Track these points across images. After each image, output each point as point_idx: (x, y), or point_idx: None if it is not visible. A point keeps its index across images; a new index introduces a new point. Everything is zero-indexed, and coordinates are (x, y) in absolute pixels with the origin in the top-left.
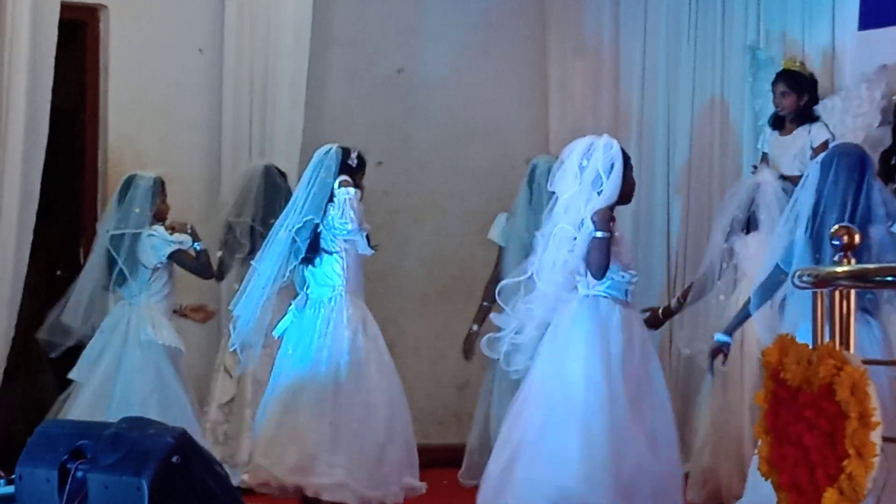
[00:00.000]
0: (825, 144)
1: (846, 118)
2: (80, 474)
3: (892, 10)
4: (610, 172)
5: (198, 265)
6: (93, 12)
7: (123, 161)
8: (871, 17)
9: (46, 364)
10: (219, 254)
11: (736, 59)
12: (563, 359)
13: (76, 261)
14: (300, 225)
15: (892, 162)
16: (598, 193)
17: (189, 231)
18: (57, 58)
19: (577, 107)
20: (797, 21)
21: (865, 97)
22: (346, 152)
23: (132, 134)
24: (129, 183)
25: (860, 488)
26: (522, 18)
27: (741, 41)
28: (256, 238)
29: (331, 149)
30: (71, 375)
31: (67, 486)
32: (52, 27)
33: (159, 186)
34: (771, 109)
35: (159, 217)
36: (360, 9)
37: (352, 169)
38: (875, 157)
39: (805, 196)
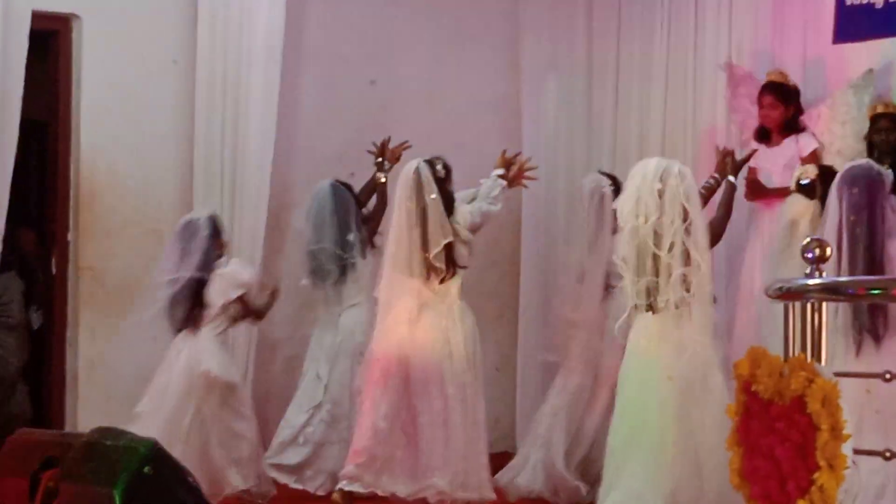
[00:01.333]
0: (814, 153)
1: (834, 126)
2: (51, 484)
3: (866, 23)
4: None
5: (258, 309)
6: (65, 22)
7: (96, 170)
8: (845, 30)
9: (18, 376)
10: (303, 281)
11: (709, 73)
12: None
13: (47, 267)
14: (438, 250)
15: None
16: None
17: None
18: (29, 67)
19: (550, 120)
20: (769, 35)
21: (853, 103)
22: (431, 165)
23: (105, 144)
24: (187, 227)
25: (831, 500)
26: (495, 31)
27: (713, 56)
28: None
29: (416, 166)
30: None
31: (39, 496)
32: (23, 36)
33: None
34: (750, 125)
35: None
36: (333, 20)
37: (441, 179)
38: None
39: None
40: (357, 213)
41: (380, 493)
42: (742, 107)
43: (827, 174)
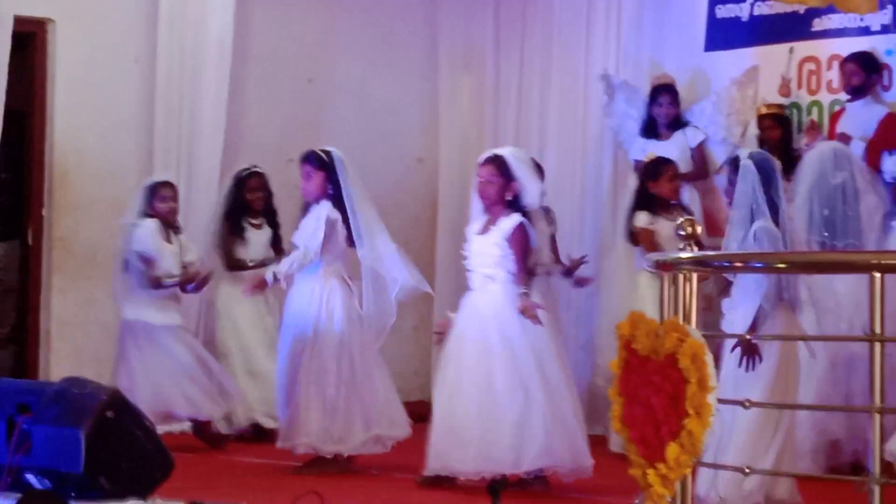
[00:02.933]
0: (702, 144)
1: (718, 118)
2: (25, 426)
3: (732, 35)
4: None
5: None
6: (42, 25)
7: (67, 154)
8: (715, 40)
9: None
10: None
11: (597, 81)
12: None
13: (24, 240)
14: None
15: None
16: None
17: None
18: (10, 64)
19: (463, 117)
20: (650, 46)
21: (737, 97)
22: None
23: (75, 131)
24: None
25: (698, 443)
26: (417, 36)
27: (602, 65)
28: None
29: None
30: None
31: (14, 436)
32: (6, 37)
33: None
34: (627, 127)
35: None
36: (276, 25)
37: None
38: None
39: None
40: None
41: None
42: (618, 111)
43: None
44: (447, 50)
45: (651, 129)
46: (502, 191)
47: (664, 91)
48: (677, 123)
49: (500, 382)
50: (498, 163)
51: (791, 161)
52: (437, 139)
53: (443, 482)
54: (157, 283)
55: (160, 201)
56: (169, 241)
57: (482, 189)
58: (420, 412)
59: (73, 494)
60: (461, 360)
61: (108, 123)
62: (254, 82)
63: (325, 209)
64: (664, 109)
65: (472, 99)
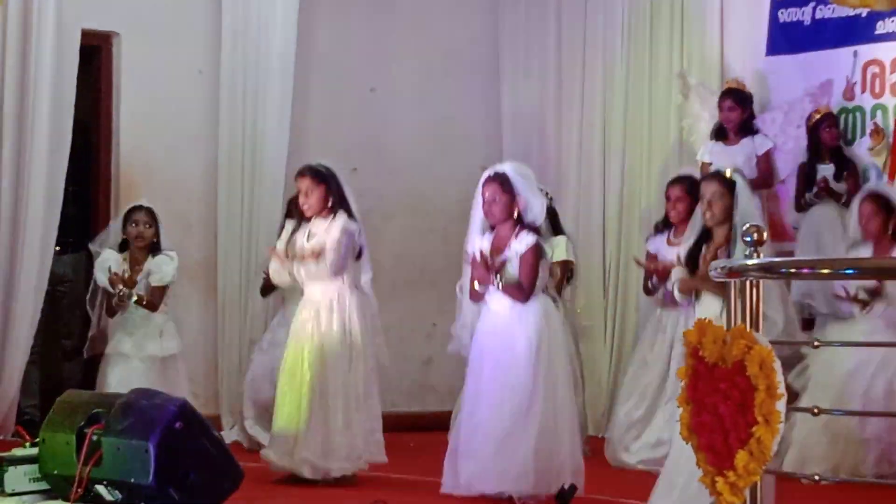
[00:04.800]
0: (768, 152)
1: (788, 129)
2: (95, 438)
3: (795, 39)
4: None
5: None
6: (107, 38)
7: (133, 166)
8: (776, 45)
9: (68, 346)
10: None
11: (663, 82)
12: None
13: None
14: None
15: (809, 172)
16: None
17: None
18: (76, 77)
19: (525, 124)
20: (716, 49)
21: (809, 109)
22: None
23: (141, 144)
24: None
25: (767, 450)
26: (479, 45)
27: (667, 66)
28: None
29: None
30: None
31: (85, 448)
32: (74, 50)
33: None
34: (698, 129)
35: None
36: (338, 35)
37: None
38: None
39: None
40: None
41: None
42: (692, 112)
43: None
44: (509, 56)
45: (721, 133)
46: (508, 208)
47: (727, 95)
48: (747, 129)
49: (513, 400)
50: (501, 180)
51: (844, 165)
52: (500, 146)
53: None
54: (111, 312)
55: (131, 226)
56: (139, 265)
57: (488, 209)
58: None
59: None
60: (481, 378)
61: (174, 135)
62: (317, 92)
63: (342, 221)
64: (724, 114)
65: (535, 105)
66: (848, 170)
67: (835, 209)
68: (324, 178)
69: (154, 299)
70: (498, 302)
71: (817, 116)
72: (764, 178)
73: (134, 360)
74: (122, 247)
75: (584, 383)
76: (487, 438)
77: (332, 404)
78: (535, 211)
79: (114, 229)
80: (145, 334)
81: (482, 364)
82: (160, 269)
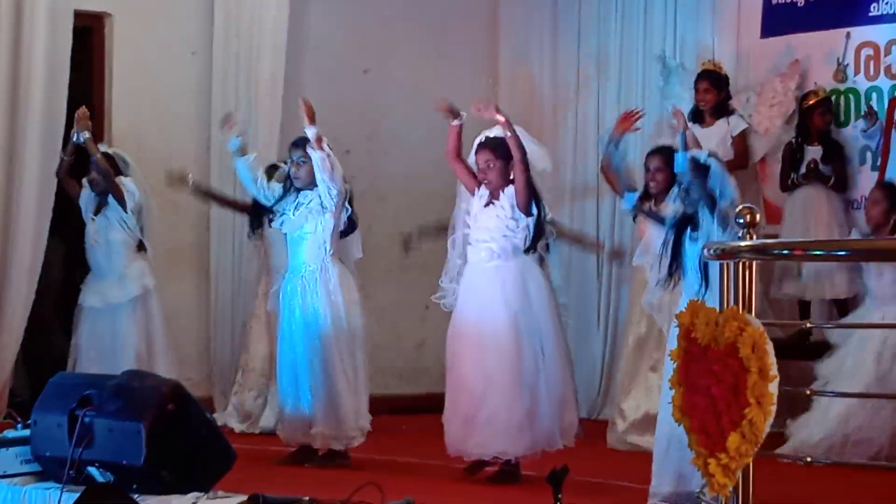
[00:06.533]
0: (743, 133)
1: (762, 108)
2: (87, 420)
3: (788, 21)
4: None
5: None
6: (99, 19)
7: (125, 147)
8: (770, 26)
9: (57, 326)
10: None
11: (654, 66)
12: None
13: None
14: None
15: (796, 152)
16: None
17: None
18: (70, 57)
19: (522, 104)
20: (707, 31)
21: (780, 89)
22: None
23: (133, 125)
24: None
25: (759, 432)
26: (475, 26)
27: (660, 48)
28: None
29: None
30: None
31: (76, 430)
32: (67, 31)
33: None
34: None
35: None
36: (331, 16)
37: None
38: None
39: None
40: None
41: None
42: (673, 94)
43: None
44: (508, 41)
45: (697, 115)
46: (504, 172)
47: (701, 77)
48: (723, 111)
49: (500, 365)
50: (493, 145)
51: (832, 148)
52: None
53: (483, 466)
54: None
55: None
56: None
57: (483, 176)
58: None
59: (134, 487)
60: (461, 344)
61: (166, 116)
62: (309, 74)
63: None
64: (700, 95)
65: (531, 88)
66: (835, 153)
67: (822, 191)
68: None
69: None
70: (477, 256)
71: (813, 100)
72: (738, 158)
73: (100, 311)
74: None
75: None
76: (471, 399)
77: (331, 376)
78: (536, 157)
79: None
80: (109, 283)
81: (464, 322)
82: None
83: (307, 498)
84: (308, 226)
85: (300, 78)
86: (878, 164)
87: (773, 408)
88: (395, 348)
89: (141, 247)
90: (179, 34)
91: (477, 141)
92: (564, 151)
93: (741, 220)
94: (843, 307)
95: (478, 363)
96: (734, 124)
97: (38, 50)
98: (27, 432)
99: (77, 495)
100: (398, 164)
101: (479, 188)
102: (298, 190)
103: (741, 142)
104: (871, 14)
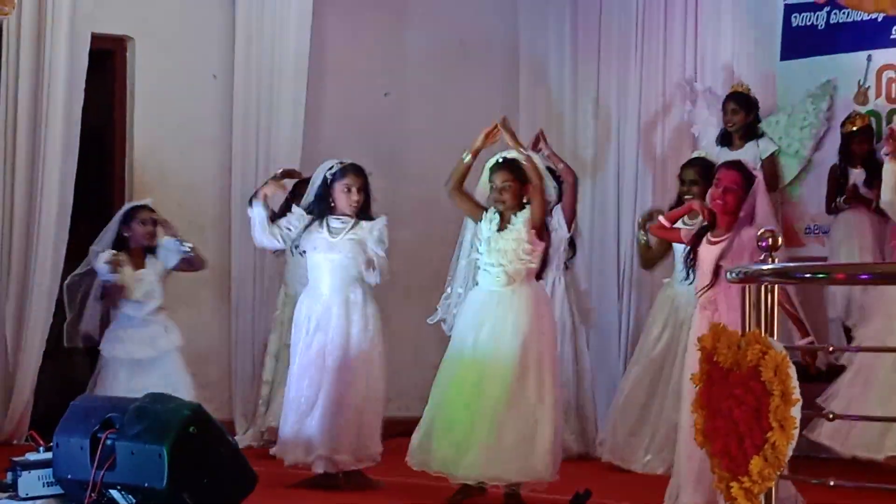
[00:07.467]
0: (773, 155)
1: (792, 130)
2: (109, 442)
3: (808, 44)
4: None
5: None
6: (120, 42)
7: (147, 171)
8: (791, 49)
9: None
10: None
11: (675, 89)
12: None
13: None
14: None
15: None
16: None
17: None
18: (89, 82)
19: (542, 127)
20: (728, 54)
21: (811, 110)
22: None
23: (155, 148)
24: None
25: (782, 456)
26: (494, 47)
27: (680, 71)
28: None
29: None
30: None
31: (98, 453)
32: (83, 55)
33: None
34: (708, 134)
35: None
36: (352, 39)
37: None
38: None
39: None
40: None
41: None
42: (701, 118)
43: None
44: (527, 60)
45: (726, 138)
46: (519, 194)
47: (729, 99)
48: (751, 133)
49: (499, 391)
50: (511, 166)
51: (876, 171)
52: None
53: (473, 492)
54: (112, 301)
55: (140, 224)
56: (143, 265)
57: (498, 195)
58: None
59: None
60: (459, 365)
61: (187, 140)
62: (330, 97)
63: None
64: (728, 117)
65: (551, 109)
66: (879, 176)
67: (865, 214)
68: (366, 179)
69: (200, 256)
70: (489, 280)
71: (853, 128)
72: (768, 181)
73: (129, 364)
74: (118, 246)
75: (594, 372)
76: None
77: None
78: (548, 189)
79: (111, 228)
80: (140, 338)
81: (463, 344)
82: (173, 244)
83: None
84: (337, 253)
85: (321, 101)
86: None
87: (796, 431)
88: (415, 371)
89: None
90: (200, 57)
91: (492, 161)
92: (583, 174)
93: (764, 244)
94: (847, 328)
95: (474, 387)
96: (763, 147)
97: (57, 73)
98: (49, 455)
99: None
100: (418, 187)
101: (486, 212)
102: (334, 215)
103: (770, 165)
104: (892, 37)
